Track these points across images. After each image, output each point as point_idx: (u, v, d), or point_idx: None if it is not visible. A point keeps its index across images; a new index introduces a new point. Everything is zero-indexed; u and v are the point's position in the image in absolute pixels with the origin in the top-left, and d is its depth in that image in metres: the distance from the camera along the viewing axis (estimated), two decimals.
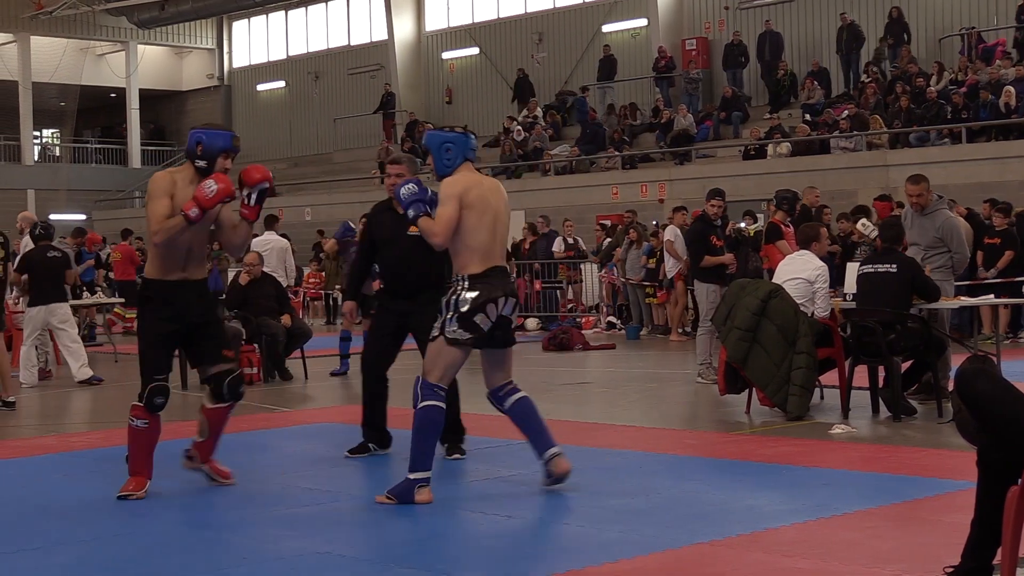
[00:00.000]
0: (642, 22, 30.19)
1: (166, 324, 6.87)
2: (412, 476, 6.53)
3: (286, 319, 13.52)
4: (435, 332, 6.61)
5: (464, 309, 6.51)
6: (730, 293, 10.03)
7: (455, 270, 6.69)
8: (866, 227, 13.21)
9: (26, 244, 14.21)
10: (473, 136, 7.07)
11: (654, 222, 20.48)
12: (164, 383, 6.86)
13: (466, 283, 6.56)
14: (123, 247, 22.98)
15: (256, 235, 12.83)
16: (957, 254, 10.30)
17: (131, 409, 6.92)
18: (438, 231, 6.58)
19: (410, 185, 6.71)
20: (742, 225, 17.94)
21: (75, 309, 14.91)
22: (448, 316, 6.54)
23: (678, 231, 17.12)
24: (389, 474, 7.83)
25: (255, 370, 13.36)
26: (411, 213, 6.68)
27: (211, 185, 6.66)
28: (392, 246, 8.04)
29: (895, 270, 9.47)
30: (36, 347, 13.68)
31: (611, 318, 20.28)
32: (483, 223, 6.63)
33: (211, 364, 7.03)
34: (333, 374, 13.94)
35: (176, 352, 7.37)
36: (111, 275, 23.27)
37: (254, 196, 6.97)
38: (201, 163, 6.86)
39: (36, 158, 40.10)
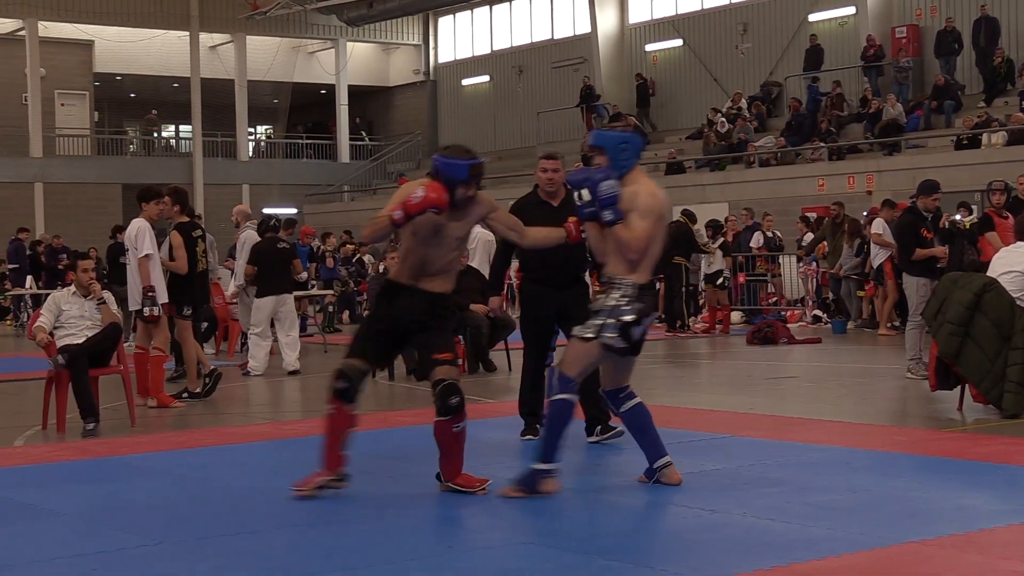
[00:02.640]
0: (850, 10, 29.54)
1: (378, 321, 6.85)
2: (539, 467, 6.50)
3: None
4: (589, 333, 6.44)
5: (627, 319, 6.36)
6: (941, 287, 9.77)
7: (620, 271, 6.41)
8: None
9: (247, 239, 14.51)
10: (645, 136, 6.81)
11: (864, 213, 20.00)
12: (349, 369, 6.61)
13: (635, 293, 6.37)
14: None
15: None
16: None
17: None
18: (638, 248, 6.34)
19: (614, 181, 6.35)
20: (957, 217, 17.43)
21: None
22: (608, 322, 6.38)
23: (885, 224, 16.76)
24: (590, 465, 7.86)
25: (460, 361, 13.53)
26: (609, 216, 6.34)
27: (418, 192, 6.44)
28: None
29: None
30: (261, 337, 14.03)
31: (817, 312, 19.93)
32: (661, 234, 6.52)
33: (426, 371, 6.77)
34: None
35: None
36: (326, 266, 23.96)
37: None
38: None
39: (251, 154, 41.44)
